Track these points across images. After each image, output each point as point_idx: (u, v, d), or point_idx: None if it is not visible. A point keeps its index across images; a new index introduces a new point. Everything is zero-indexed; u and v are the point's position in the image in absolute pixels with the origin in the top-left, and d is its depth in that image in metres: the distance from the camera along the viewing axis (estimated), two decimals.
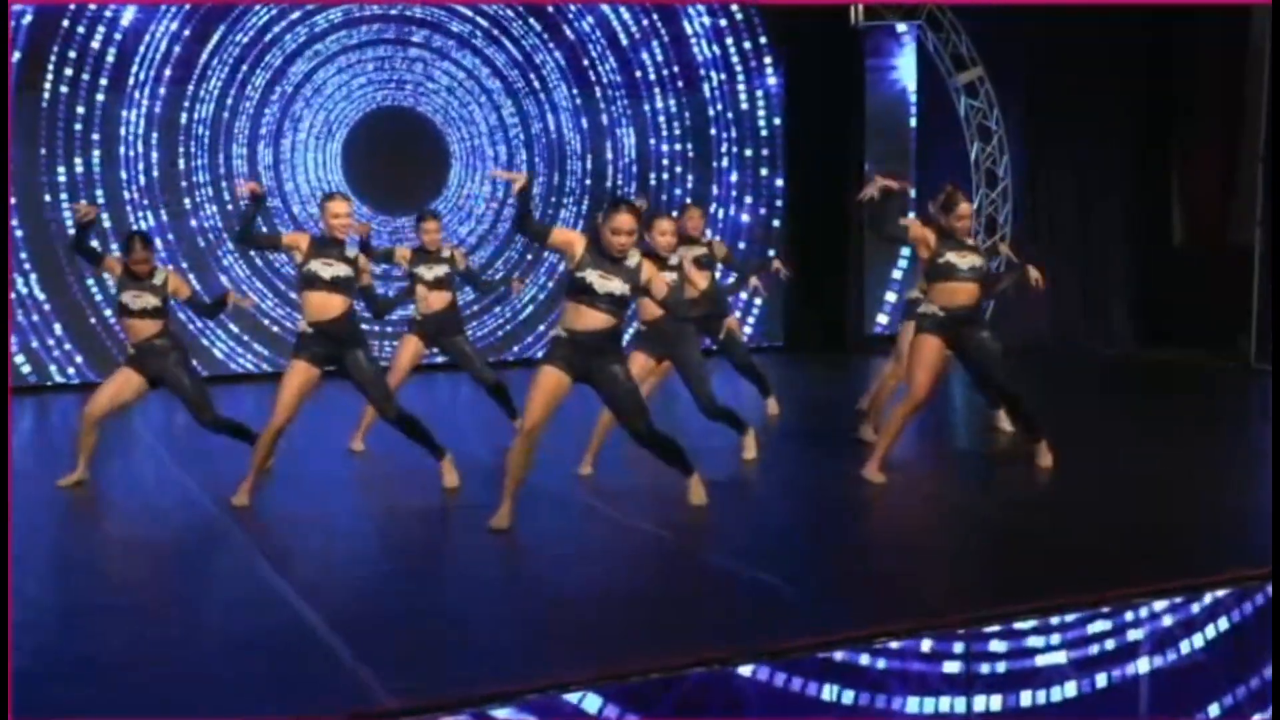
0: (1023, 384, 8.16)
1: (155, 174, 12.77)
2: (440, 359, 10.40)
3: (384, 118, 13.56)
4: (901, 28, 14.50)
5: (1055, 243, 14.40)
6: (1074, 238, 14.51)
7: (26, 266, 12.23)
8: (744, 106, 14.72)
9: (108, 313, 12.28)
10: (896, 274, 14.68)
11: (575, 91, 14.16)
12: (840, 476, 8.04)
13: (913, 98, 14.68)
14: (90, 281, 12.40)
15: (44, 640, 5.08)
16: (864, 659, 4.92)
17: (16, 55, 11.89)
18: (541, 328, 14.01)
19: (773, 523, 7.25)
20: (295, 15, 13.07)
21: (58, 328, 12.42)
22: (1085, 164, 14.40)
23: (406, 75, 13.58)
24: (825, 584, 5.88)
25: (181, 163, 12.82)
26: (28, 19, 11.92)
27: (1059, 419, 8.99)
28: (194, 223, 12.96)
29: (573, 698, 4.46)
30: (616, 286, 6.48)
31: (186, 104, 12.82)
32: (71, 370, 12.53)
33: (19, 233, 12.16)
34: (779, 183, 14.95)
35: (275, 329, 13.20)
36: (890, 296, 14.70)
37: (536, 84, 14.04)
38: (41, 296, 12.31)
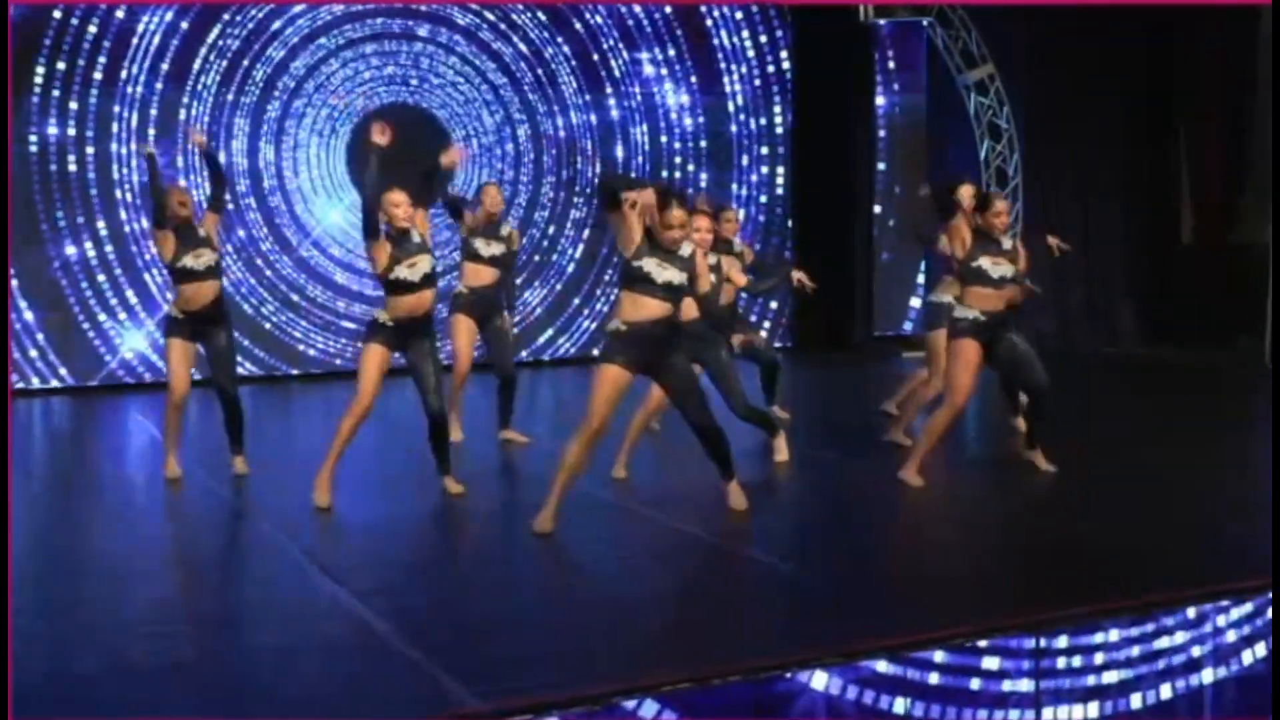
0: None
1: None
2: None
3: (388, 113, 13.34)
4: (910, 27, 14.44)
5: (1062, 239, 14.28)
6: (1079, 236, 14.41)
7: None
8: (753, 103, 14.57)
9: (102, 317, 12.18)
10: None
11: (584, 86, 14.01)
12: (871, 477, 8.02)
13: (923, 95, 14.59)
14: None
15: (112, 646, 5.02)
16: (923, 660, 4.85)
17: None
18: (550, 332, 13.85)
19: (813, 524, 7.22)
20: (298, 8, 12.88)
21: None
22: (1091, 161, 14.38)
23: (412, 70, 13.40)
24: (874, 585, 5.85)
25: (181, 159, 12.58)
26: (11, 9, 11.67)
27: (1079, 420, 8.98)
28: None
29: (646, 707, 4.36)
30: (674, 276, 6.43)
31: (186, 99, 12.62)
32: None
33: None
34: (786, 180, 14.79)
35: (276, 333, 13.05)
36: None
37: (544, 78, 13.89)
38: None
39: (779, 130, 14.69)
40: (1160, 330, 14.25)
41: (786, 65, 14.61)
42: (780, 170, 14.73)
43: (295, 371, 13.12)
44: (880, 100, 14.67)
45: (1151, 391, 12.10)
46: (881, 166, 14.79)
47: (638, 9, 14.00)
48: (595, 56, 14.00)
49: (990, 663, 4.91)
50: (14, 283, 11.87)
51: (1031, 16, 13.91)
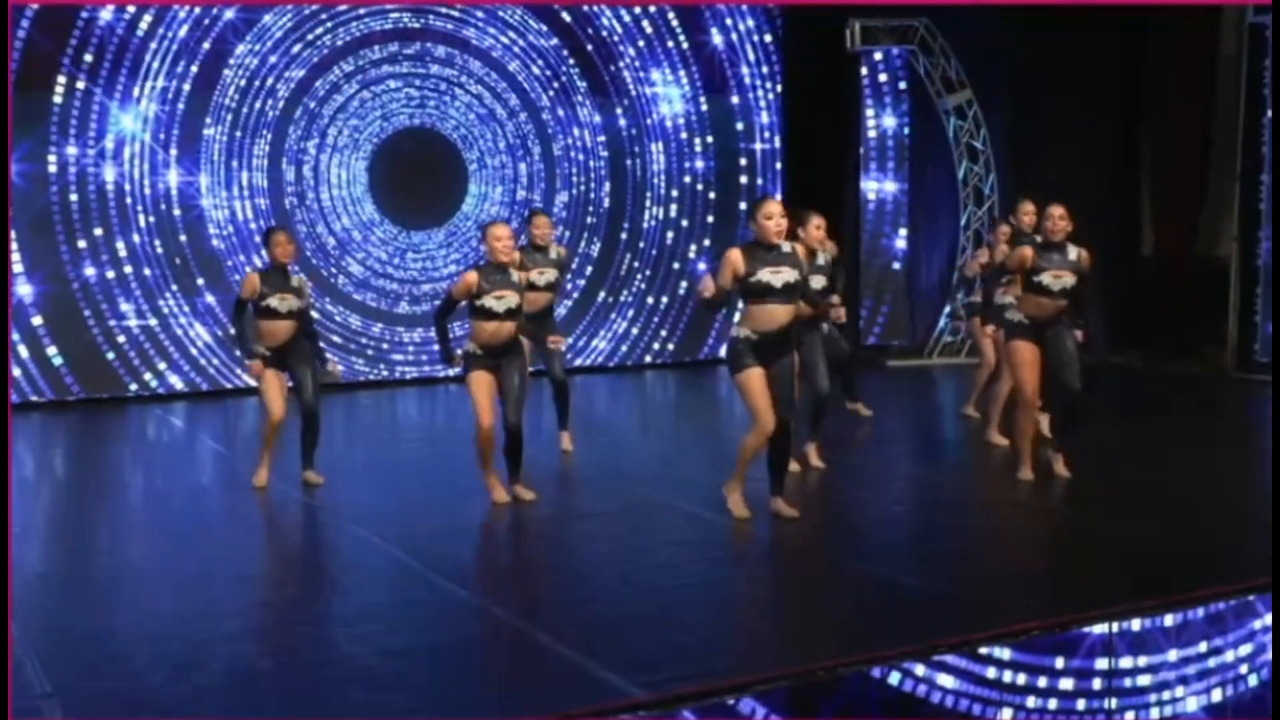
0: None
1: (173, 191, 12.83)
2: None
3: (406, 136, 13.77)
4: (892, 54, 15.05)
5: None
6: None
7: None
8: (749, 122, 15.18)
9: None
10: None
11: (594, 105, 14.56)
12: (926, 477, 8.69)
13: (904, 119, 15.22)
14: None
15: (281, 644, 5.47)
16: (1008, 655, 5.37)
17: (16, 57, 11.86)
18: (570, 339, 14.34)
19: (893, 523, 7.80)
20: (319, 31, 13.23)
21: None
22: (1061, 180, 14.90)
23: (430, 93, 13.81)
24: (958, 582, 6.35)
25: (204, 178, 12.91)
26: (24, 25, 11.91)
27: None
28: (215, 241, 13.05)
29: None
30: (788, 274, 6.99)
31: (209, 119, 12.91)
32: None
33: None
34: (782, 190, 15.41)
35: None
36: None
37: (558, 95, 14.36)
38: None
39: (775, 145, 15.37)
40: (1127, 339, 14.85)
41: (779, 88, 15.24)
42: (773, 184, 15.38)
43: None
44: (865, 122, 15.24)
45: (1130, 399, 12.77)
46: (871, 186, 15.38)
47: (648, 30, 14.52)
48: (606, 77, 14.53)
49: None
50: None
51: (1007, 46, 14.62)
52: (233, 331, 9.35)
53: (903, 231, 15.29)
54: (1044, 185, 14.94)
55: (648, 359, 15.03)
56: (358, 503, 8.20)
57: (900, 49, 15.02)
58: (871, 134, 15.18)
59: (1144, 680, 5.55)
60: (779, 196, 14.72)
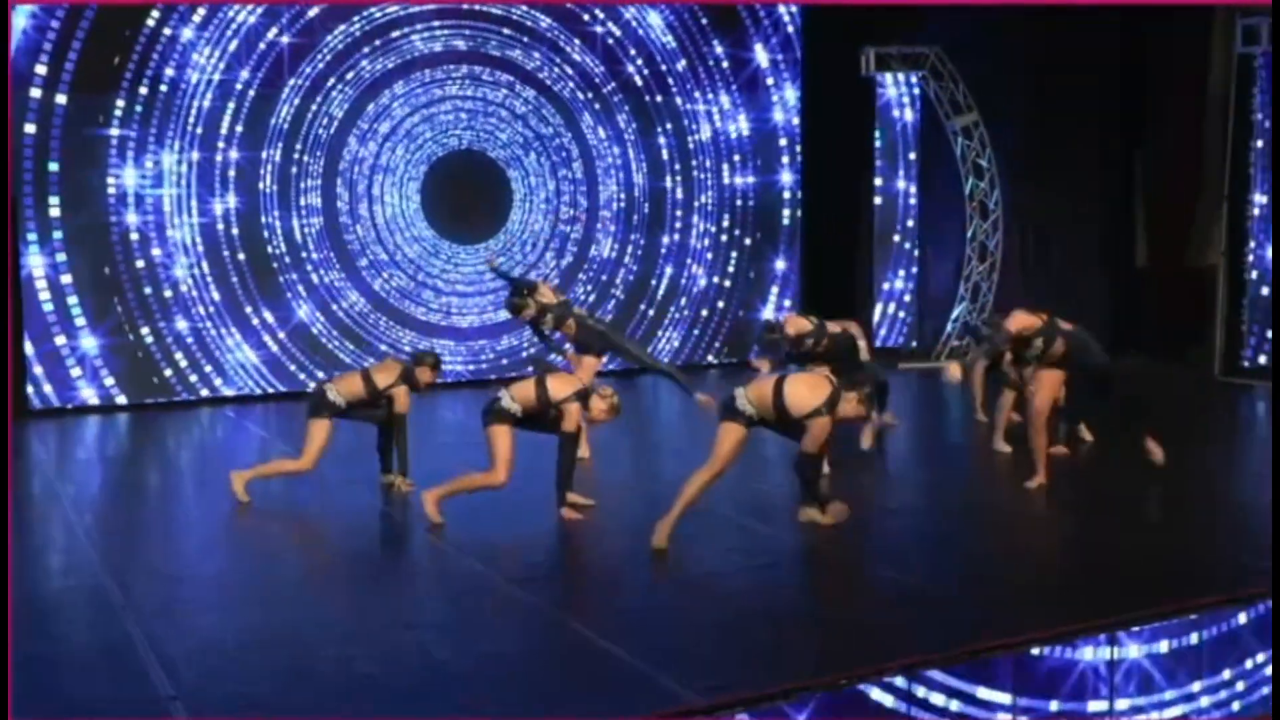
0: None
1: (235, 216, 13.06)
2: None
3: (453, 158, 14.08)
4: (905, 79, 15.34)
5: (1036, 265, 15.31)
6: (1051, 261, 15.39)
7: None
8: (757, 143, 15.50)
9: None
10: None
11: (638, 126, 14.85)
12: (940, 484, 8.99)
13: (914, 138, 15.53)
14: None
15: (341, 659, 5.72)
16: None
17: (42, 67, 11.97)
18: None
19: (917, 532, 8.03)
20: (370, 49, 13.46)
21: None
22: (1061, 197, 15.23)
23: (480, 116, 14.10)
24: (995, 589, 6.65)
25: (279, 214, 13.22)
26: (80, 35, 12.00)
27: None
28: (269, 249, 13.23)
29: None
30: None
31: (266, 151, 13.12)
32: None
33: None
34: (795, 206, 15.71)
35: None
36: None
37: (600, 111, 14.65)
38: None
39: (794, 164, 15.66)
40: (1120, 343, 15.09)
41: (796, 114, 15.53)
42: (790, 202, 15.69)
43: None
44: (878, 142, 15.56)
45: (1127, 403, 12.97)
46: (878, 201, 15.68)
47: (680, 65, 14.83)
48: (646, 98, 14.82)
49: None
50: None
51: (1012, 71, 14.93)
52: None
53: (910, 242, 15.62)
54: (1044, 201, 15.37)
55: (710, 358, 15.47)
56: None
57: (911, 75, 15.32)
58: (884, 152, 15.50)
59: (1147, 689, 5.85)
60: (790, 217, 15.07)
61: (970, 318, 12.02)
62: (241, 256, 13.06)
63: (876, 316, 15.62)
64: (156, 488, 9.97)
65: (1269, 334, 13.81)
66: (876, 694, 5.28)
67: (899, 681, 5.29)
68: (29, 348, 12.13)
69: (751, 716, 5.00)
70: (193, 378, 12.88)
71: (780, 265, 15.68)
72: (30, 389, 12.16)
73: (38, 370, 12.19)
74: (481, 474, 7.91)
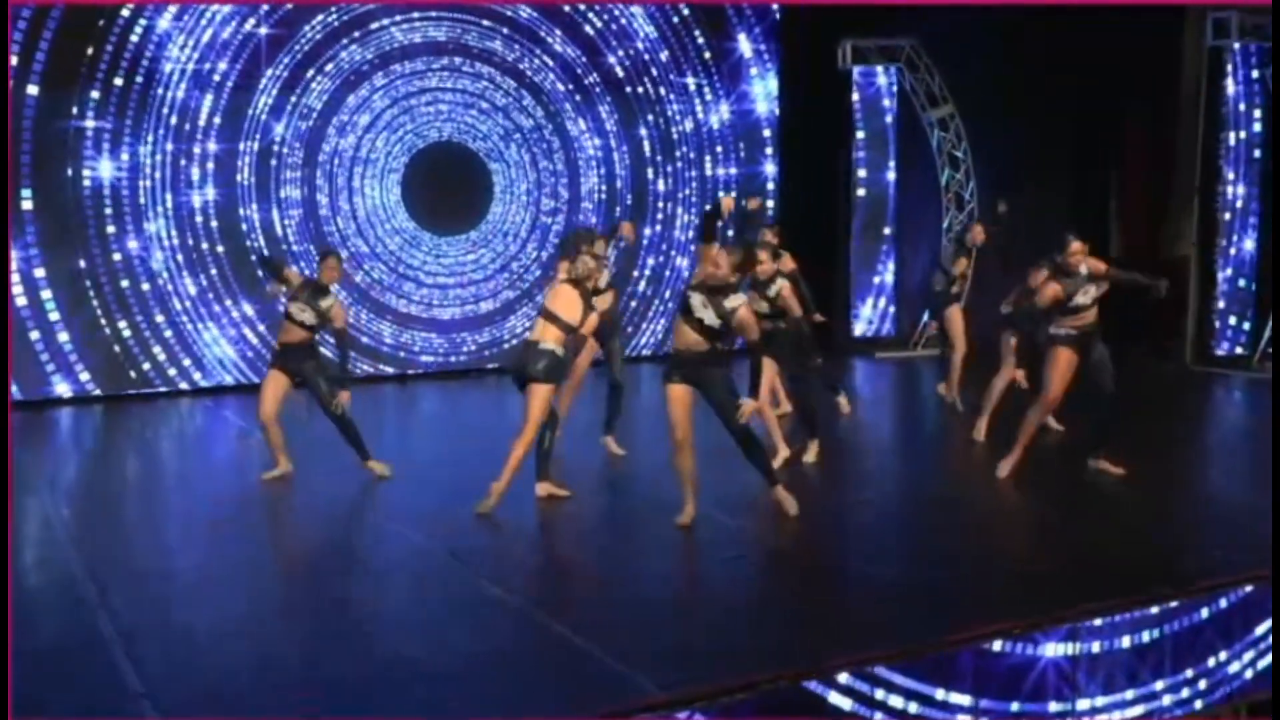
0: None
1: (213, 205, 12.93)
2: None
3: (434, 150, 13.99)
4: (881, 71, 15.28)
5: (1011, 256, 15.26)
6: (1026, 252, 15.32)
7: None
8: (740, 134, 15.44)
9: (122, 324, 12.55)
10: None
11: (620, 115, 14.74)
12: (919, 476, 9.00)
13: (891, 130, 15.48)
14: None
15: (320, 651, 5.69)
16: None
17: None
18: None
19: (885, 523, 8.02)
20: (349, 40, 13.32)
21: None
22: (1036, 187, 15.23)
23: (460, 107, 14.01)
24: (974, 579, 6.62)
25: (267, 204, 13.12)
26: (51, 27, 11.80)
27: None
28: (248, 242, 13.09)
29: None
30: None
31: (243, 142, 12.99)
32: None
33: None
34: (776, 192, 15.64)
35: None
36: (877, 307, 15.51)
37: (580, 105, 14.56)
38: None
39: (770, 153, 15.61)
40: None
41: (775, 105, 15.47)
42: (770, 186, 15.61)
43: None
44: (855, 133, 15.49)
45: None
46: (861, 193, 15.63)
47: (663, 56, 14.76)
48: (628, 89, 14.73)
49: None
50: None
51: (986, 64, 14.87)
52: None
53: (887, 231, 15.58)
54: (1019, 193, 15.33)
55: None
56: (402, 500, 8.44)
57: (888, 67, 15.28)
58: (861, 143, 15.46)
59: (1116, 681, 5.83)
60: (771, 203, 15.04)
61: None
62: (220, 249, 12.98)
63: (865, 308, 15.61)
64: (135, 480, 9.90)
65: (1243, 324, 13.88)
66: (837, 689, 5.26)
67: (846, 678, 5.27)
68: None
69: (705, 716, 4.97)
70: (170, 371, 12.77)
71: None
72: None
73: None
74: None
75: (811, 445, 9.36)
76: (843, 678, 5.25)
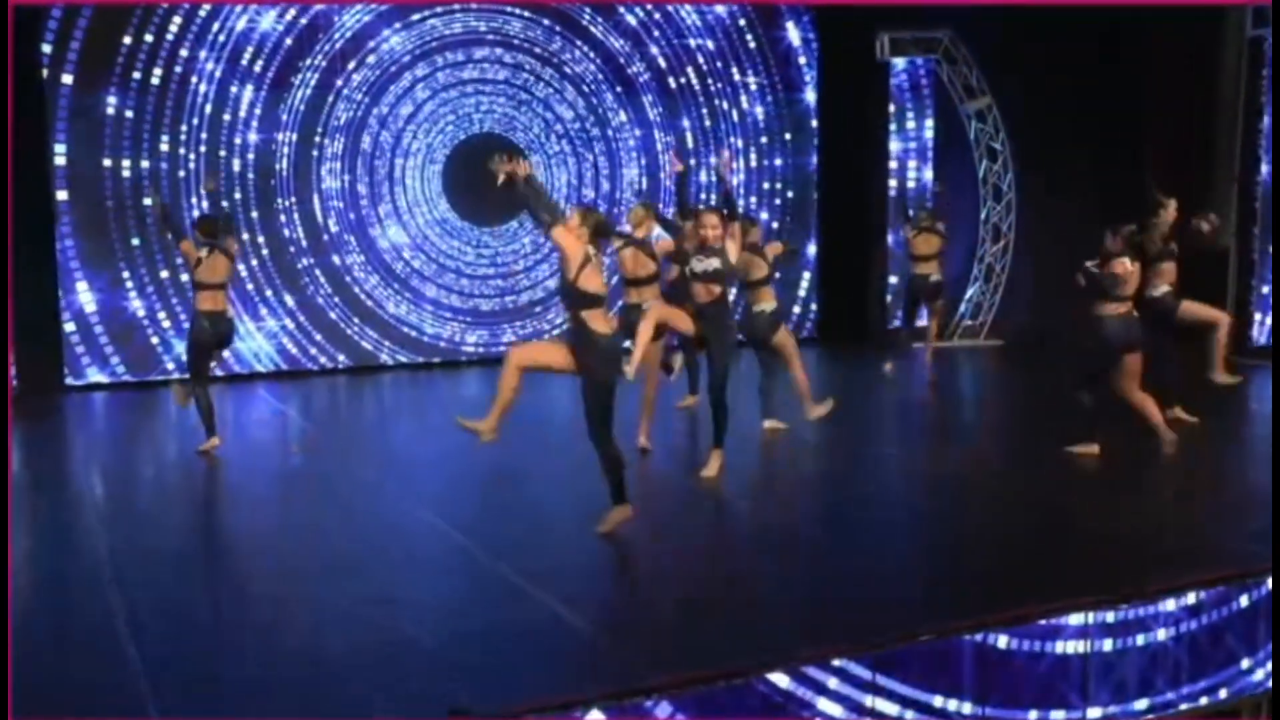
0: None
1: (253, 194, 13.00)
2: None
3: (475, 143, 13.90)
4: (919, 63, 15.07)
5: (1041, 246, 15.03)
6: (1062, 242, 15.06)
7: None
8: (788, 125, 15.24)
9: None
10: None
11: (661, 105, 14.66)
12: (919, 471, 8.79)
13: (930, 122, 15.25)
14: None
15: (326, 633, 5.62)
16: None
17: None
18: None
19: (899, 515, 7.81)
20: (387, 35, 13.34)
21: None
22: (1071, 179, 14.93)
23: (499, 99, 13.93)
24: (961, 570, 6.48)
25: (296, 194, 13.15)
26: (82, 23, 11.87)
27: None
28: (286, 232, 13.18)
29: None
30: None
31: (278, 138, 13.02)
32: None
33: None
34: (818, 184, 15.49)
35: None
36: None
37: (622, 97, 14.47)
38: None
39: (811, 144, 15.42)
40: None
41: (813, 95, 15.28)
42: (812, 175, 15.44)
43: (349, 363, 13.53)
44: (894, 125, 15.28)
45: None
46: (893, 185, 15.42)
47: (706, 49, 14.61)
48: (671, 81, 14.62)
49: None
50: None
51: (1024, 56, 14.57)
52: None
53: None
54: (1055, 183, 15.07)
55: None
56: (419, 485, 8.38)
57: (926, 59, 15.04)
58: (898, 135, 15.25)
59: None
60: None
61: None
62: (261, 239, 12.99)
63: (889, 295, 15.39)
64: (169, 462, 9.88)
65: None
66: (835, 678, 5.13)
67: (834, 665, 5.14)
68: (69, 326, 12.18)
69: (672, 704, 4.82)
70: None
71: (811, 249, 15.44)
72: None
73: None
74: None
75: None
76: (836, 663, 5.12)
